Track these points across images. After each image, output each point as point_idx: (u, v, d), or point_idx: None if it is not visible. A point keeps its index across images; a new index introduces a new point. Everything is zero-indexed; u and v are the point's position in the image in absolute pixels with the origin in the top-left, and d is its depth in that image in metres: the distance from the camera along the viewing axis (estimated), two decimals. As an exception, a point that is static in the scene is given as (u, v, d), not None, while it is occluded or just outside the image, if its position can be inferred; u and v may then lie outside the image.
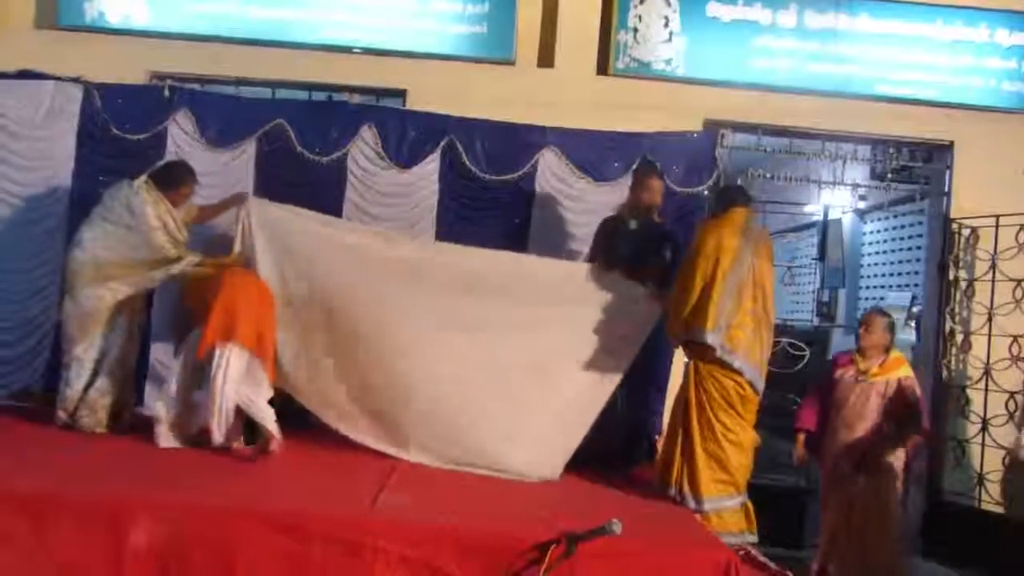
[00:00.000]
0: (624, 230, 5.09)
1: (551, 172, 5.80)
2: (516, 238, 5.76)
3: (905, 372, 4.93)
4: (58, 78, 5.76)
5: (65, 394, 4.74)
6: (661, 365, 5.49)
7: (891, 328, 5.00)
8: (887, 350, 4.97)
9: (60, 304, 4.98)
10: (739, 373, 4.42)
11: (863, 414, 4.87)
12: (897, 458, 4.84)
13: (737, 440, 4.46)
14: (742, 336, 4.42)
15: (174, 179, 4.95)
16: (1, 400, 5.39)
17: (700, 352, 4.45)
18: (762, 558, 3.94)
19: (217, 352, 4.41)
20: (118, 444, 4.56)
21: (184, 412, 4.55)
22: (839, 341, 8.63)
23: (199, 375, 4.54)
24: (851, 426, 4.89)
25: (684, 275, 4.52)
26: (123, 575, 3.29)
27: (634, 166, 5.71)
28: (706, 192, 5.78)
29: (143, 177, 4.88)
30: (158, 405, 4.58)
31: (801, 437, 5.07)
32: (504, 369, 4.70)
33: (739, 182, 6.16)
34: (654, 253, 4.97)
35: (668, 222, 5.35)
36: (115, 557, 3.30)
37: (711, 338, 4.36)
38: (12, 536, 3.30)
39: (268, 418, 4.45)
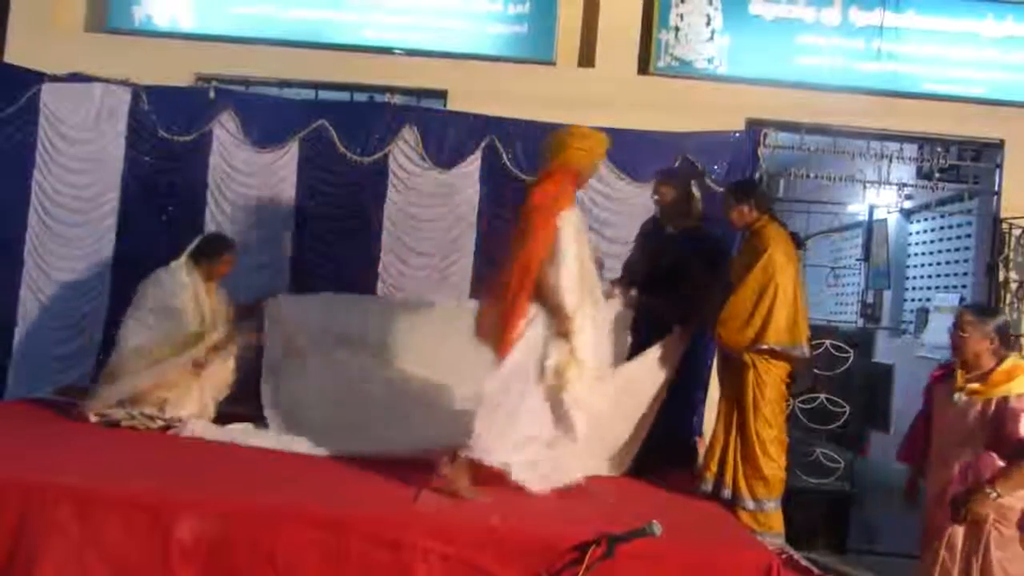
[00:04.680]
0: (663, 236, 4.97)
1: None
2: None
3: (1018, 388, 3.62)
4: (107, 81, 5.88)
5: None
6: (701, 364, 5.45)
7: (1000, 330, 3.76)
8: (1000, 359, 3.71)
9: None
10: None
11: (958, 445, 3.75)
12: (1010, 507, 3.59)
13: (783, 438, 4.42)
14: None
15: (212, 250, 5.03)
16: (49, 396, 5.49)
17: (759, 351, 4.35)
18: (804, 562, 3.90)
19: None
20: (164, 441, 4.63)
21: None
22: (883, 343, 8.51)
23: None
24: (945, 460, 3.80)
25: (756, 287, 4.29)
26: (169, 570, 3.36)
27: (675, 167, 5.70)
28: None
29: (182, 258, 4.95)
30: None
31: (911, 474, 4.17)
32: None
33: (782, 182, 6.12)
34: (699, 264, 4.72)
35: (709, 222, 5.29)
36: (161, 553, 3.35)
37: (805, 350, 4.31)
38: (63, 529, 3.38)
39: None
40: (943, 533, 3.71)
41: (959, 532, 3.66)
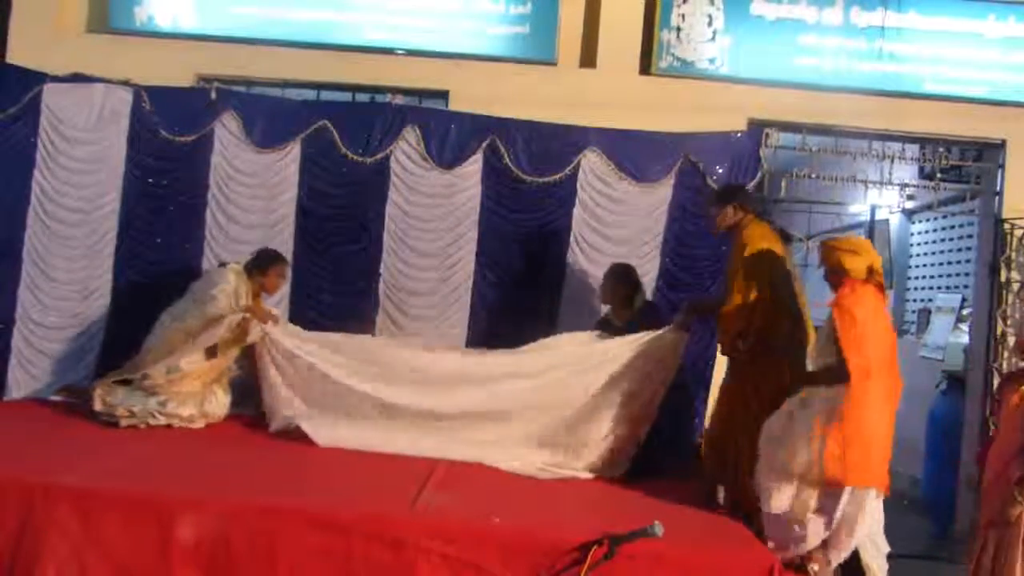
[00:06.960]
0: (614, 328, 5.04)
1: (593, 173, 5.77)
2: (558, 239, 5.75)
3: None
4: (108, 81, 5.87)
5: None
6: (702, 364, 5.44)
7: None
8: None
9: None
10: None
11: (1011, 449, 3.61)
12: None
13: None
14: None
15: (263, 263, 5.12)
16: (50, 396, 5.51)
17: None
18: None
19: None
20: (165, 440, 4.63)
21: None
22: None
23: None
24: (993, 464, 3.73)
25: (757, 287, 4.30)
26: (169, 570, 3.36)
27: (677, 167, 5.70)
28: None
29: (239, 265, 5.09)
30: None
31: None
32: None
33: (783, 182, 6.12)
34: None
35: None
36: (161, 552, 3.36)
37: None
38: (63, 529, 3.39)
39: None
40: (980, 534, 3.70)
41: (993, 534, 3.64)
